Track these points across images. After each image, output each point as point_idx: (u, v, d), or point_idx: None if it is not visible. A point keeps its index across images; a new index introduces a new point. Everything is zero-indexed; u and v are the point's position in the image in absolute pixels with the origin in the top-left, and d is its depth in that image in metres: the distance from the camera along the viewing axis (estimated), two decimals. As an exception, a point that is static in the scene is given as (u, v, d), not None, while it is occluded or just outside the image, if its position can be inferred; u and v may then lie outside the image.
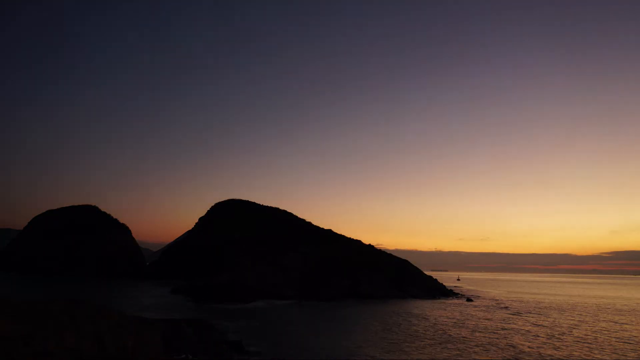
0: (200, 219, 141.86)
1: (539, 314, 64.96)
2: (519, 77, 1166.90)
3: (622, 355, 35.57)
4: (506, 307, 74.68)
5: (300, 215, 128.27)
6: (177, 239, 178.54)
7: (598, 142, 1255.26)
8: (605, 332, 48.50)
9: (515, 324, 52.90)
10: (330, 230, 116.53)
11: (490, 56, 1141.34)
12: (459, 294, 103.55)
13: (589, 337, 44.30)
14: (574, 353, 35.60)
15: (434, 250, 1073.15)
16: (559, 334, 45.26)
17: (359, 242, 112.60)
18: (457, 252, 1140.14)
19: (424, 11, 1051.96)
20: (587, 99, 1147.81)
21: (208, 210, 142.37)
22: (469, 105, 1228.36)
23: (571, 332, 47.52)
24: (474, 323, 52.06)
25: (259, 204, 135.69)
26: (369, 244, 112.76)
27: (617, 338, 44.09)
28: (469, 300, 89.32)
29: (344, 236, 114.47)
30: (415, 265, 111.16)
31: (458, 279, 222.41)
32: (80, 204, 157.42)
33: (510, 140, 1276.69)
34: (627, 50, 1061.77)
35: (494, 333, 44.54)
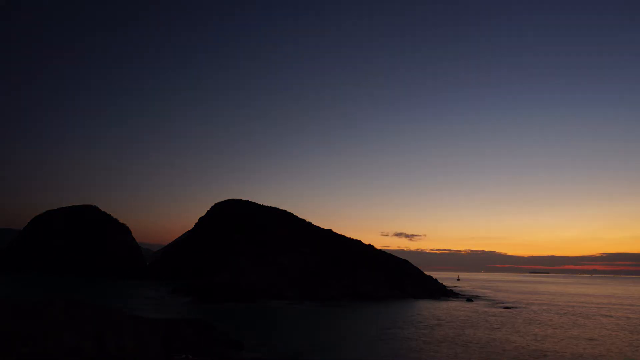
0: (200, 219, 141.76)
1: (538, 314, 64.98)
2: (517, 78, 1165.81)
3: (629, 354, 35.60)
4: (506, 307, 74.70)
5: (300, 215, 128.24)
6: (177, 239, 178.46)
7: (597, 144, 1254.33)
8: (609, 331, 48.51)
9: (514, 323, 52.90)
10: (330, 230, 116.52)
11: (487, 55, 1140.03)
12: (458, 294, 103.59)
13: (592, 336, 44.30)
14: (576, 353, 35.61)
15: (434, 250, 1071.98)
16: (558, 333, 45.27)
17: (359, 242, 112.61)
18: (456, 252, 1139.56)
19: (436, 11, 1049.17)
20: (584, 102, 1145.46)
21: (208, 210, 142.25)
22: (471, 107, 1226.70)
23: (571, 331, 47.53)
24: (473, 323, 52.07)
25: (259, 204, 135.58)
26: (369, 244, 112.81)
27: (622, 338, 44.09)
28: (468, 300, 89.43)
29: (344, 236, 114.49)
30: (415, 265, 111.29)
31: (458, 279, 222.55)
32: (80, 204, 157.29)
33: (509, 142, 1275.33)
34: (625, 53, 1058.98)
35: (493, 333, 44.56)
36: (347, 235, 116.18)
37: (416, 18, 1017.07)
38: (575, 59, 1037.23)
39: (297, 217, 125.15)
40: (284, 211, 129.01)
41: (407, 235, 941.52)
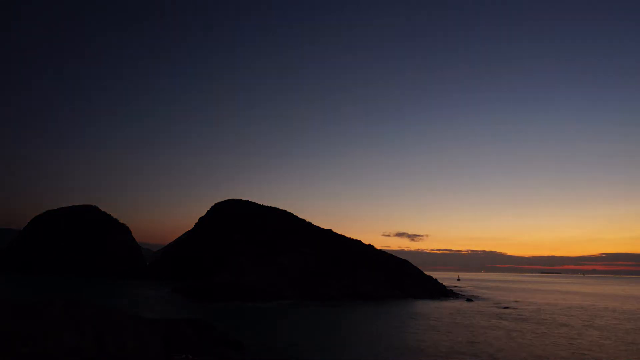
0: (200, 219, 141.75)
1: (538, 314, 64.97)
2: (518, 80, 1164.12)
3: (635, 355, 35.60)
4: (505, 307, 74.67)
5: (300, 215, 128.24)
6: (177, 239, 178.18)
7: (598, 145, 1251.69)
8: (614, 331, 48.50)
9: (514, 323, 52.89)
10: (330, 230, 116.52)
11: (489, 58, 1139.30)
12: (459, 294, 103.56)
13: (592, 335, 44.28)
14: (575, 353, 35.59)
15: (435, 250, 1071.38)
16: (557, 333, 45.26)
17: (358, 242, 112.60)
18: (457, 252, 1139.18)
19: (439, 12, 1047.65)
20: (584, 103, 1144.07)
21: (208, 210, 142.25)
22: (472, 109, 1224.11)
23: (570, 331, 47.51)
24: (472, 322, 52.07)
25: (259, 204, 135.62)
26: (369, 244, 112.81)
27: (628, 341, 44.09)
28: (468, 300, 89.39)
29: (343, 236, 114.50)
30: (415, 265, 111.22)
31: (458, 279, 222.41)
32: (80, 204, 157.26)
33: (510, 143, 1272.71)
34: (626, 55, 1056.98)
35: (492, 333, 44.54)
36: (348, 235, 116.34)
37: (421, 20, 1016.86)
38: (577, 61, 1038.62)
39: (297, 217, 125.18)
40: (284, 211, 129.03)
41: (409, 236, 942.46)
